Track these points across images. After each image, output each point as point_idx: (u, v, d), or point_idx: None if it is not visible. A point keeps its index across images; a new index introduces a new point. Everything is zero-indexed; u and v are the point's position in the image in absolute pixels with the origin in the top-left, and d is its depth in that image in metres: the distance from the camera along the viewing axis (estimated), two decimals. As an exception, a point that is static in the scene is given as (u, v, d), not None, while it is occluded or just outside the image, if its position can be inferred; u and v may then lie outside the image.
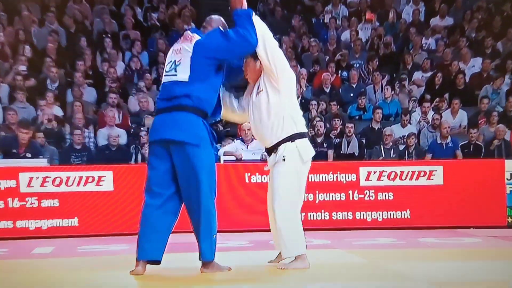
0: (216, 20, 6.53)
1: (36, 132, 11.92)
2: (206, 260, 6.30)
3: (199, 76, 6.16)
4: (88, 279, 6.51)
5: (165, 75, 6.37)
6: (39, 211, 10.23)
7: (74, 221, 10.34)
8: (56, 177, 10.32)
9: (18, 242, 9.70)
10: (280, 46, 14.29)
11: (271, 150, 6.49)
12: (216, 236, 6.30)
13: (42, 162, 11.06)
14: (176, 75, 6.24)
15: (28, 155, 11.35)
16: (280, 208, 6.41)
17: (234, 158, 11.51)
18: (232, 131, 13.17)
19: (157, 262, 6.38)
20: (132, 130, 12.72)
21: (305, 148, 6.47)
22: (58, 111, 13.06)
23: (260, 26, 6.35)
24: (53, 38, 14.83)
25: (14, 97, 13.22)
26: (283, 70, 6.41)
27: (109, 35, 15.30)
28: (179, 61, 6.26)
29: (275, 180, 6.44)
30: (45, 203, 10.24)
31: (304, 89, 14.15)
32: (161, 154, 6.27)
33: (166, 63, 6.43)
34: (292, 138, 6.39)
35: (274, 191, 6.44)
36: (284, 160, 6.35)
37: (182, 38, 6.43)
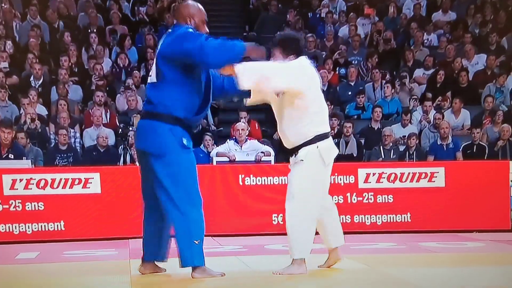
0: (183, 10, 6.47)
1: (19, 132, 11.95)
2: (187, 266, 6.41)
3: (166, 77, 6.23)
4: (74, 285, 6.60)
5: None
6: (23, 215, 10.29)
7: (60, 225, 10.41)
8: (40, 179, 10.34)
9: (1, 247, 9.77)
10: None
11: (292, 151, 6.63)
12: (200, 242, 6.36)
13: (26, 163, 11.12)
14: (151, 76, 6.39)
15: (11, 156, 11.38)
16: (290, 208, 6.53)
17: (227, 159, 11.58)
18: (225, 132, 13.24)
19: (163, 261, 6.67)
20: (120, 130, 12.71)
21: (327, 149, 6.57)
22: (42, 110, 13.10)
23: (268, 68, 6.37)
24: (36, 33, 14.87)
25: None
26: (302, 88, 6.44)
27: (95, 30, 15.33)
28: (154, 61, 6.43)
29: (291, 181, 6.58)
30: (30, 206, 10.32)
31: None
32: (141, 161, 6.50)
33: None
34: (313, 140, 6.48)
35: (288, 191, 6.57)
36: (302, 161, 6.48)
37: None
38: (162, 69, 6.23)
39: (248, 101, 6.93)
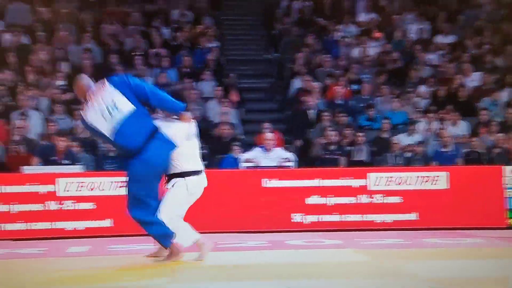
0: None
1: (73, 141, 11.91)
2: None
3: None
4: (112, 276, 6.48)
5: None
6: (76, 213, 10.23)
7: (109, 222, 10.32)
8: (90, 182, 10.34)
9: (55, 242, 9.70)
10: (294, 62, 14.45)
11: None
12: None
13: (78, 168, 11.03)
14: None
15: (66, 161, 11.33)
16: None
17: (253, 164, 11.42)
18: (249, 140, 13.13)
19: None
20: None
21: (193, 183, 7.17)
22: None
23: None
24: (88, 56, 14.82)
25: (53, 109, 13.22)
26: None
27: (139, 53, 15.22)
28: None
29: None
30: (81, 206, 10.23)
31: (317, 101, 14.05)
32: None
33: None
34: (181, 175, 7.09)
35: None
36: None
37: None
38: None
39: None
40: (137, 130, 6.88)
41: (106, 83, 7.06)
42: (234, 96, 14.26)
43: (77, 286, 6.15)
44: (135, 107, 6.90)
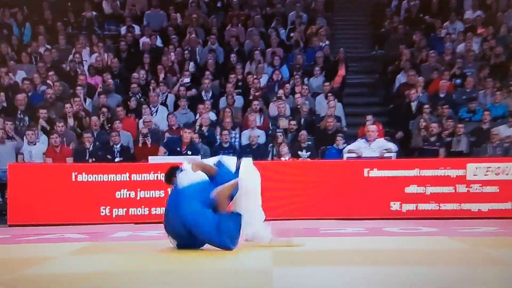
0: None
1: (194, 133, 11.85)
2: None
3: None
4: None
5: None
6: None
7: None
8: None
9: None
10: (400, 58, 13.78)
11: None
12: None
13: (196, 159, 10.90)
14: None
15: (189, 152, 11.22)
16: None
17: (355, 155, 10.96)
18: (351, 132, 12.67)
19: None
20: (270, 131, 12.41)
21: None
22: (212, 116, 12.94)
23: None
24: (212, 56, 14.79)
25: (178, 105, 13.26)
26: None
27: (257, 52, 15.02)
28: None
29: None
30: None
31: (420, 94, 13.32)
32: None
33: None
34: None
35: None
36: None
37: None
38: None
39: None
40: None
41: None
42: (342, 71, 13.82)
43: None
44: None
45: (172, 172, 6.90)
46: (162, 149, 11.52)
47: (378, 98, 14.93)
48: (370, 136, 11.22)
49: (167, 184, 7.05)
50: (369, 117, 12.03)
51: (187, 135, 11.36)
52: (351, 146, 11.26)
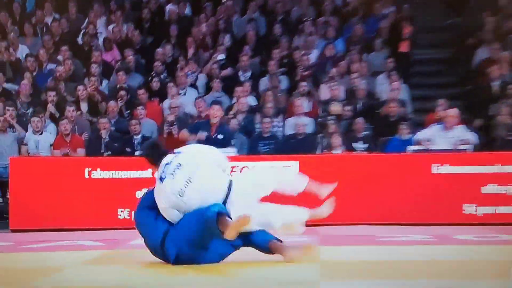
0: None
1: (231, 119, 12.09)
2: None
3: None
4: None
5: None
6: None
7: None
8: (243, 167, 10.14)
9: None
10: (481, 28, 13.74)
11: None
12: None
13: (232, 151, 11.16)
14: None
15: (220, 136, 11.29)
16: None
17: (423, 147, 11.11)
18: (419, 119, 12.84)
19: None
20: (319, 118, 12.58)
21: None
22: (251, 100, 13.19)
23: None
24: (252, 26, 15.02)
25: (210, 87, 13.52)
26: None
27: (306, 22, 15.19)
28: None
29: None
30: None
31: (505, 73, 13.37)
32: None
33: None
34: None
35: None
36: None
37: None
38: None
39: None
40: None
41: None
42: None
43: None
44: None
45: (161, 151, 6.75)
46: (185, 134, 11.55)
47: (452, 77, 14.99)
48: (450, 122, 11.36)
49: (153, 165, 6.85)
50: (441, 101, 12.14)
51: (215, 112, 11.42)
52: (423, 134, 11.41)
